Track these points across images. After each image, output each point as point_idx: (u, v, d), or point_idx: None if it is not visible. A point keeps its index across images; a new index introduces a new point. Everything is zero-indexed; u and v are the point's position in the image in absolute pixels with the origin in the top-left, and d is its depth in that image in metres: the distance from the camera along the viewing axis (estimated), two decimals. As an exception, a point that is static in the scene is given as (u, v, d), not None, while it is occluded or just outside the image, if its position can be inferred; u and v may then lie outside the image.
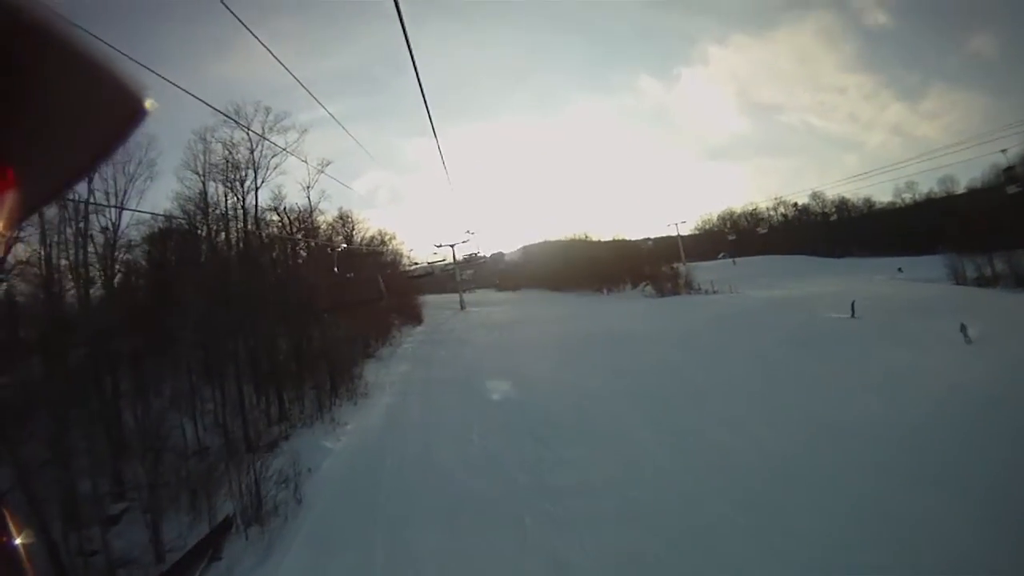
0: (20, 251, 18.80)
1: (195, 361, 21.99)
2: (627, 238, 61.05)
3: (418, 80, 4.97)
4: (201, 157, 26.01)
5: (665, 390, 19.76)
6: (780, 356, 22.04)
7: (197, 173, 25.81)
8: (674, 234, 54.37)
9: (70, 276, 20.35)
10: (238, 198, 26.78)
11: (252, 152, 26.77)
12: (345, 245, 30.43)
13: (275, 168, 27.52)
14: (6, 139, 0.57)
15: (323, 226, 33.52)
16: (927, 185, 58.34)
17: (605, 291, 51.63)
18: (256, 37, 6.21)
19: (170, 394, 20.83)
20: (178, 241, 26.53)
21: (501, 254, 62.98)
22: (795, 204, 67.13)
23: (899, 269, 46.32)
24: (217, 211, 26.41)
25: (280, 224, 30.70)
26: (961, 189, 52.46)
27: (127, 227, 22.62)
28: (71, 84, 0.57)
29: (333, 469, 16.90)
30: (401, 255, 48.67)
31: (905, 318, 25.62)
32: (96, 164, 0.71)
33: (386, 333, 35.84)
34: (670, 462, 14.50)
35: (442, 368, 27.79)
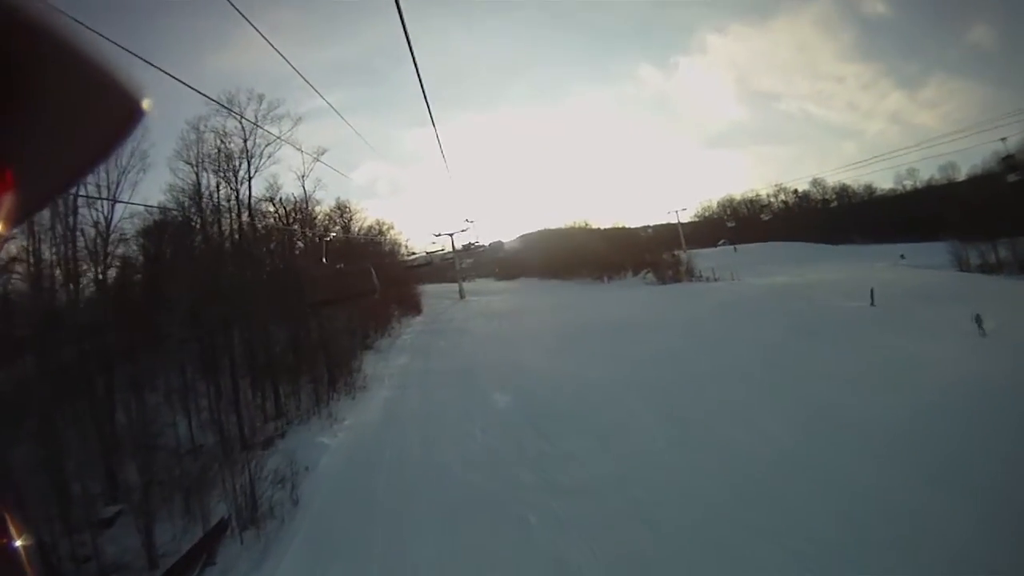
0: (10, 246, 18.36)
1: (189, 356, 21.58)
2: (627, 226, 60.61)
3: (417, 71, 4.82)
4: (194, 147, 25.51)
5: (666, 379, 19.34)
6: (794, 346, 21.55)
7: (190, 163, 25.32)
8: (674, 221, 53.92)
9: (59, 271, 19.89)
10: (232, 188, 26.32)
11: (246, 141, 26.26)
12: (334, 235, 29.95)
13: (269, 157, 27.06)
14: (5, 140, 0.57)
15: (319, 216, 33.03)
16: (927, 173, 57.96)
17: (606, 279, 51.30)
18: (253, 25, 5.77)
19: (164, 390, 20.45)
20: (172, 233, 26.04)
21: (500, 243, 62.31)
22: (795, 191, 66.70)
23: (901, 256, 46.03)
24: (211, 202, 25.96)
25: (276, 214, 30.28)
26: (962, 177, 52.00)
27: (120, 220, 22.14)
28: (69, 84, 0.57)
29: (330, 467, 16.56)
30: (399, 245, 48.16)
31: (918, 306, 25.31)
32: (95, 164, 0.72)
33: (386, 324, 35.48)
34: (677, 458, 14.12)
35: (441, 359, 27.49)
